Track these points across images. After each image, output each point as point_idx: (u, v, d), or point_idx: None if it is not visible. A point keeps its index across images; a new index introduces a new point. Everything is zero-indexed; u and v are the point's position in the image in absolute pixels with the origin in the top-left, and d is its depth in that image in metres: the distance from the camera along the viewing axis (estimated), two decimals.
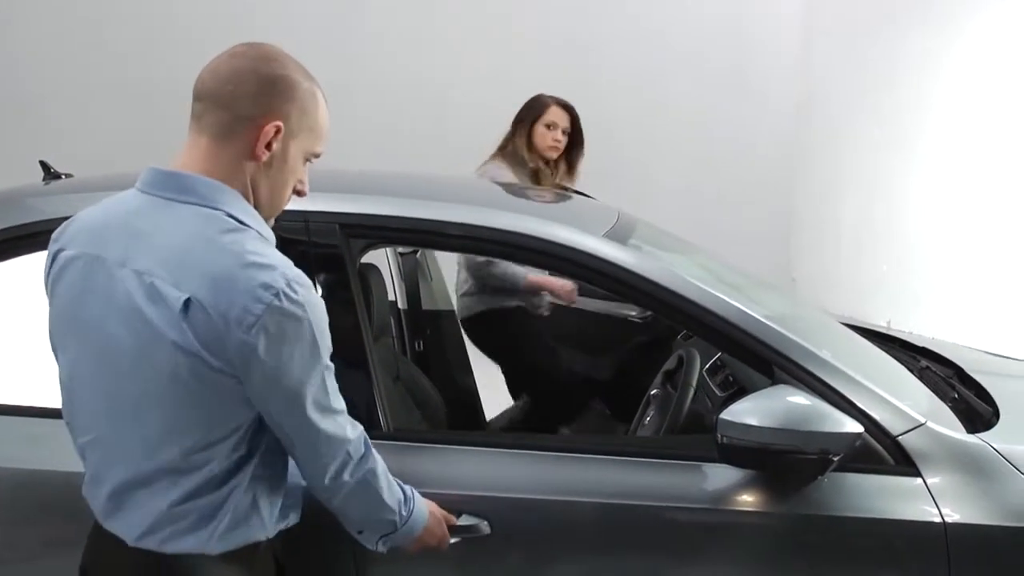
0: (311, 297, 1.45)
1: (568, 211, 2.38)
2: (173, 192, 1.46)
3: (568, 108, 3.68)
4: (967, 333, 3.69)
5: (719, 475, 1.94)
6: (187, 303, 1.39)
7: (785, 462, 1.85)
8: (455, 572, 1.95)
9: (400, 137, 5.86)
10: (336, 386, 1.56)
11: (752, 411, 1.85)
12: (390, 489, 1.67)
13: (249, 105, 1.45)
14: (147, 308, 1.41)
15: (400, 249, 3.36)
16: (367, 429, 1.96)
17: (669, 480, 1.95)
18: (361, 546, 1.89)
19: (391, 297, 3.30)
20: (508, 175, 3.44)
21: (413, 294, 3.42)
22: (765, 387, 2.32)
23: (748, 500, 1.94)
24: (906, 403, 2.01)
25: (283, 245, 1.98)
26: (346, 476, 1.58)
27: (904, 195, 5.42)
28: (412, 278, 3.41)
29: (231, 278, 1.38)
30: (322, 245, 2.02)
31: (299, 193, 1.58)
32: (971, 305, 4.69)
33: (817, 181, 6.18)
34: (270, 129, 1.46)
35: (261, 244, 1.45)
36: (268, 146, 1.47)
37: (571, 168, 3.72)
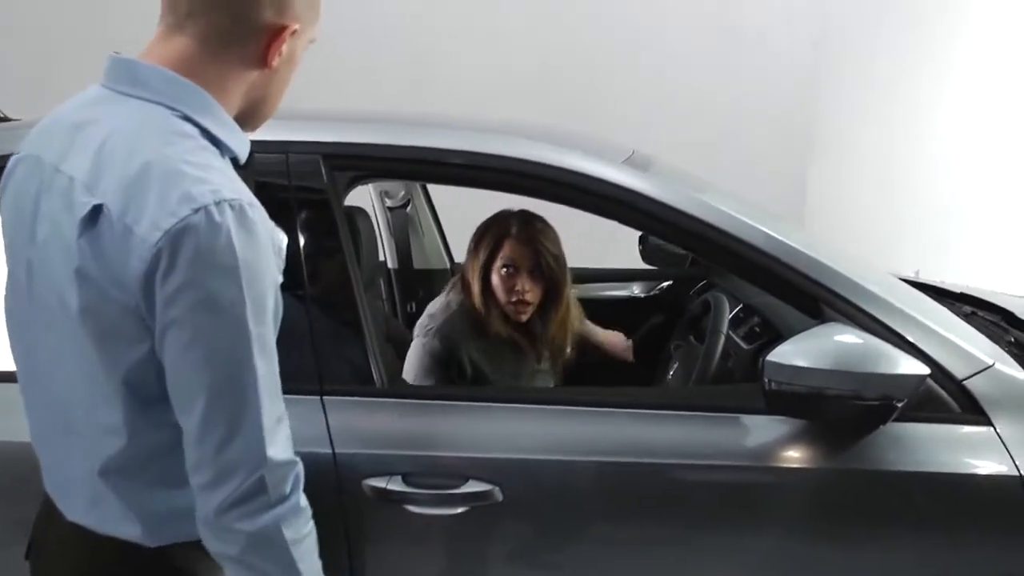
0: (247, 234, 1.10)
1: (580, 140, 2.13)
2: (126, 85, 1.18)
3: (534, 236, 2.27)
4: (1005, 281, 3.45)
5: (765, 428, 1.71)
6: (95, 210, 1.09)
7: (842, 409, 1.61)
8: (461, 545, 1.71)
9: (385, 89, 5.54)
10: (277, 385, 1.18)
11: (804, 352, 1.61)
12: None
13: (262, 8, 1.18)
14: (61, 217, 1.13)
15: (389, 203, 3.11)
16: (360, 386, 1.74)
17: (707, 435, 1.71)
18: (353, 519, 1.66)
19: (380, 257, 3.04)
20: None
21: (404, 252, 3.17)
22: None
23: (796, 456, 1.70)
24: (968, 342, 1.78)
25: (259, 181, 1.75)
26: (242, 516, 1.13)
27: (932, 134, 5.05)
28: (403, 235, 3.15)
29: (148, 183, 1.08)
30: (303, 181, 1.77)
31: None
32: (1008, 251, 4.40)
33: (836, 121, 5.82)
34: (286, 35, 1.20)
35: (207, 156, 1.15)
36: (279, 51, 1.21)
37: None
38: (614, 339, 2.83)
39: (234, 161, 1.23)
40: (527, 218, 2.31)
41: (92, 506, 1.22)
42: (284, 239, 1.22)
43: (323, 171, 1.78)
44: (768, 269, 1.76)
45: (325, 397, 1.71)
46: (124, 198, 1.09)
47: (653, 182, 1.84)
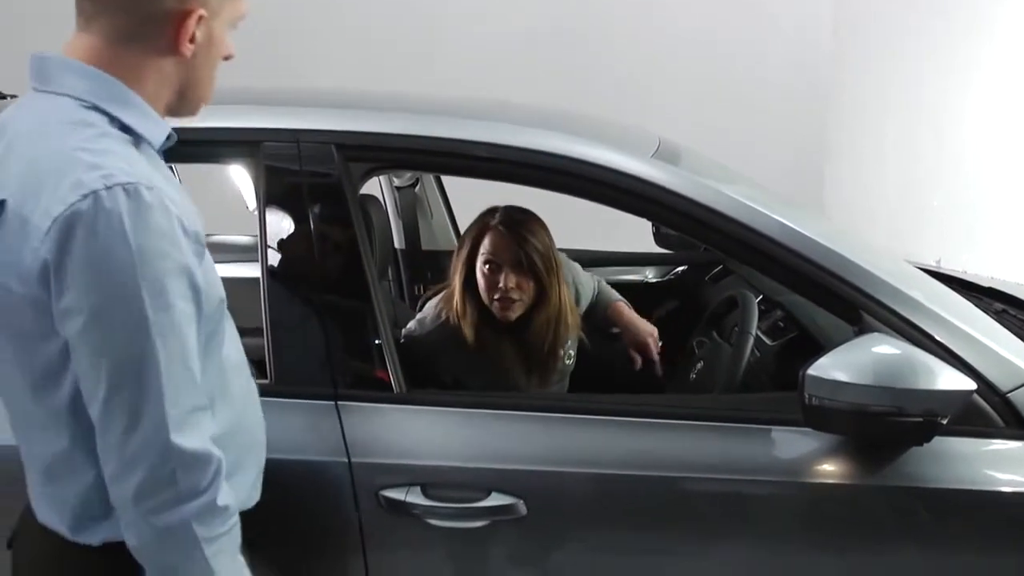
0: (141, 218, 1.08)
1: (607, 129, 2.03)
2: (39, 81, 1.19)
3: (514, 227, 2.12)
4: None
5: (799, 441, 1.63)
6: (1, 206, 1.11)
7: (883, 426, 1.54)
8: (482, 561, 1.65)
9: (391, 57, 5.41)
10: (191, 372, 1.14)
11: (844, 365, 1.53)
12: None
13: (159, 2, 1.17)
14: None
15: (397, 182, 3.01)
16: (373, 390, 1.66)
17: (743, 448, 1.63)
18: (370, 532, 1.59)
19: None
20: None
21: (412, 233, 3.07)
22: (831, 332, 2.03)
23: (832, 471, 1.63)
24: (1012, 352, 1.70)
25: (269, 172, 1.66)
26: (152, 510, 1.11)
27: (958, 122, 4.90)
28: (410, 215, 3.06)
29: (43, 174, 1.09)
30: (316, 172, 1.68)
31: (227, 58, 1.29)
32: None
33: (856, 109, 5.66)
34: (192, 21, 1.19)
35: (108, 142, 1.13)
36: (192, 38, 1.20)
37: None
38: (641, 328, 2.43)
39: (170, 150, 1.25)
40: (511, 210, 2.16)
41: (37, 499, 1.24)
42: (199, 222, 1.20)
43: (337, 161, 1.69)
44: (807, 274, 1.67)
45: (340, 402, 1.63)
46: (22, 191, 1.10)
47: (686, 179, 1.74)
